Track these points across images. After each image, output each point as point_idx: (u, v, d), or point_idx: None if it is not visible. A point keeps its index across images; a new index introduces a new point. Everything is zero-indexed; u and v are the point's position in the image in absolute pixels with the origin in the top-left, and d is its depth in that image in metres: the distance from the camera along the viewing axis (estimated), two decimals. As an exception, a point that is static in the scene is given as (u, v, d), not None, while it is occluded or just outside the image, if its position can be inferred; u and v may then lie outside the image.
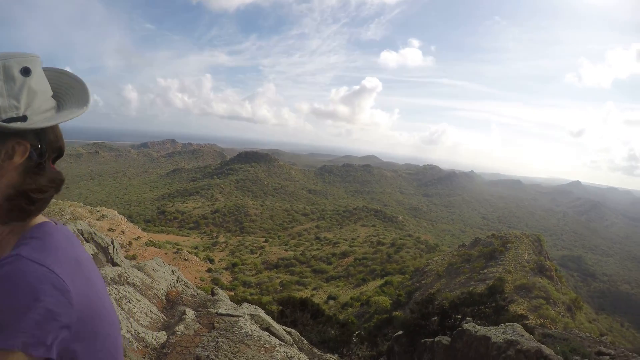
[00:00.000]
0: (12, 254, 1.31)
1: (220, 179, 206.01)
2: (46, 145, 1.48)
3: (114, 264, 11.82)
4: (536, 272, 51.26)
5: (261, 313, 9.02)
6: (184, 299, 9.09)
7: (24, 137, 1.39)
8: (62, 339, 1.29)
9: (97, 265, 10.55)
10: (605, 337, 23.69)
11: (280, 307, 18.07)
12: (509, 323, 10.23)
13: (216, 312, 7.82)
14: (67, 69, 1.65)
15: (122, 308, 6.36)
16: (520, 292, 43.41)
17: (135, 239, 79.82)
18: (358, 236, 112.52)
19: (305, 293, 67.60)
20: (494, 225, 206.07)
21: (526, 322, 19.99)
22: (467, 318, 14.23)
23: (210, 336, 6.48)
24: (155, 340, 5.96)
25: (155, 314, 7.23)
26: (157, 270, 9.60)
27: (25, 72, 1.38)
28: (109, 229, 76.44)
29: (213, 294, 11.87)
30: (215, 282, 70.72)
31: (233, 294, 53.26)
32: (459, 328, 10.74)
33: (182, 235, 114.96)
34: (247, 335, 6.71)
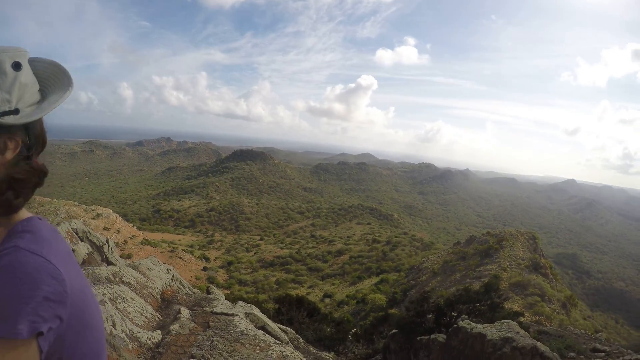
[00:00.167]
0: (9, 245, 1.34)
1: (215, 177, 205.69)
2: (34, 138, 1.52)
3: (109, 263, 11.79)
4: (531, 269, 51.37)
5: (256, 312, 9.01)
6: (179, 297, 9.07)
7: (15, 132, 1.42)
8: (58, 327, 1.32)
9: (93, 264, 10.53)
10: (600, 334, 23.75)
11: (277, 305, 18.07)
12: (505, 320, 10.25)
13: (211, 311, 7.80)
14: None
15: (116, 307, 6.32)
16: (515, 289, 43.54)
17: (131, 238, 79.64)
18: (353, 234, 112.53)
19: (301, 291, 67.62)
20: (489, 223, 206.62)
21: (521, 319, 20.06)
22: (463, 315, 14.25)
23: (206, 335, 6.46)
24: (150, 339, 5.94)
25: (150, 313, 7.20)
26: (152, 269, 9.57)
27: (17, 66, 1.40)
28: (104, 228, 76.21)
29: (208, 292, 11.85)
30: (211, 280, 70.64)
31: (229, 292, 53.31)
32: (455, 325, 10.75)
33: (178, 234, 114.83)
34: (242, 334, 6.69)
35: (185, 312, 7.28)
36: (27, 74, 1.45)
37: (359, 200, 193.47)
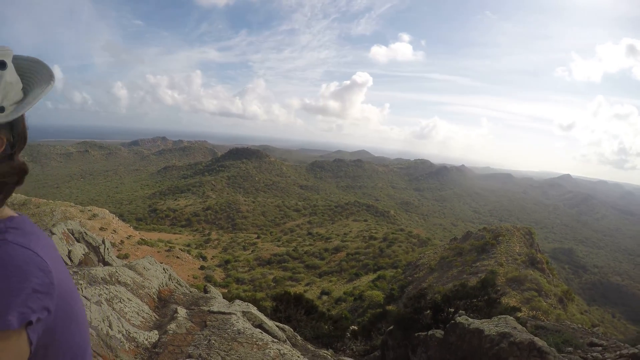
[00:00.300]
0: None
1: (211, 175, 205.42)
2: (17, 135, 1.51)
3: (106, 264, 11.74)
4: (528, 264, 51.51)
5: (253, 310, 8.99)
6: (176, 297, 9.04)
7: (0, 130, 1.43)
8: (46, 318, 1.34)
9: (89, 265, 10.49)
10: (597, 328, 23.87)
11: (274, 303, 18.06)
12: (502, 315, 10.26)
13: (208, 310, 7.78)
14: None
15: (113, 308, 6.30)
16: (512, 284, 43.65)
17: (127, 238, 79.46)
18: (350, 231, 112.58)
19: (298, 289, 67.63)
20: (486, 218, 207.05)
21: (518, 314, 20.15)
22: (460, 311, 14.27)
23: (203, 334, 6.44)
24: (146, 339, 5.92)
25: (147, 313, 7.18)
26: (148, 269, 9.54)
27: (2, 65, 1.40)
28: (101, 228, 76.05)
29: (206, 291, 11.83)
30: (208, 279, 70.62)
31: (226, 291, 53.34)
32: (452, 321, 10.75)
33: (174, 233, 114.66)
34: (239, 333, 6.68)
35: (182, 312, 7.27)
36: (11, 73, 1.44)
37: (355, 197, 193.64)
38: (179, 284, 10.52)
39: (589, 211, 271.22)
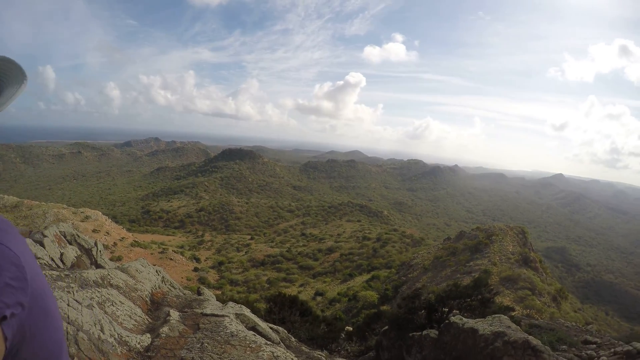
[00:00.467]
0: None
1: (204, 176, 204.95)
2: None
3: (98, 266, 11.68)
4: (521, 263, 51.66)
5: (247, 312, 8.95)
6: (169, 299, 8.99)
7: None
8: (20, 313, 1.30)
9: (81, 267, 10.42)
10: (590, 326, 23.95)
11: (268, 305, 18.00)
12: (496, 315, 10.27)
13: (201, 313, 7.74)
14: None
15: (105, 311, 6.24)
16: (505, 283, 43.75)
17: (120, 240, 79.17)
18: (344, 231, 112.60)
19: (292, 290, 67.60)
20: (479, 218, 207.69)
21: (512, 313, 20.17)
22: (454, 311, 14.28)
23: (196, 337, 6.40)
24: (139, 343, 5.87)
25: (139, 316, 7.12)
26: (141, 272, 9.48)
27: None
28: (94, 230, 75.73)
29: (199, 293, 11.79)
30: (202, 281, 70.46)
31: (220, 292, 53.17)
32: (446, 321, 10.76)
33: (168, 235, 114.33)
34: (232, 336, 6.64)
35: (174, 315, 7.22)
36: None
37: (349, 198, 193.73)
38: (172, 286, 10.46)
39: (582, 210, 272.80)
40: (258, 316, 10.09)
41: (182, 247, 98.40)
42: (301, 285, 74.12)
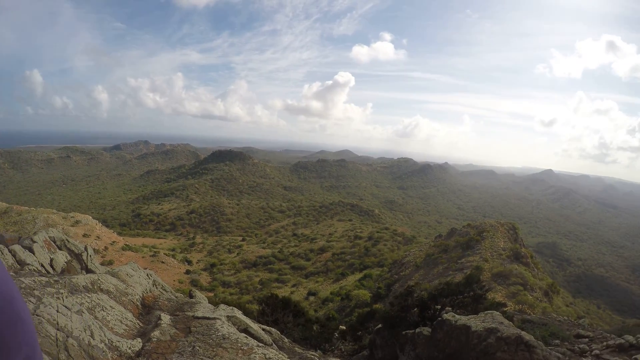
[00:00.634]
0: None
1: (194, 179, 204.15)
2: None
3: (89, 271, 11.59)
4: (512, 259, 51.91)
5: (238, 314, 8.90)
6: (160, 303, 8.93)
7: None
8: None
9: (72, 272, 10.32)
10: (583, 319, 24.07)
11: (261, 307, 17.95)
12: (488, 311, 10.30)
13: (193, 316, 7.69)
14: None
15: (95, 317, 6.18)
16: (497, 279, 43.94)
17: (111, 244, 78.64)
18: (335, 231, 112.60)
19: (284, 290, 67.55)
20: (470, 215, 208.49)
21: (505, 309, 20.23)
22: (447, 308, 14.31)
23: (187, 341, 6.35)
24: (130, 348, 5.81)
25: (130, 320, 7.06)
26: (131, 276, 9.41)
27: None
28: (84, 235, 75.21)
29: (191, 296, 11.73)
30: (194, 283, 70.26)
31: (213, 295, 53.00)
32: (439, 318, 10.77)
33: (159, 238, 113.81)
34: (224, 338, 6.60)
35: (166, 318, 7.16)
36: None
37: (340, 197, 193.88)
38: (164, 290, 10.40)
39: (572, 205, 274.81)
40: (250, 318, 10.05)
41: (173, 249, 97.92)
42: (294, 286, 74.06)
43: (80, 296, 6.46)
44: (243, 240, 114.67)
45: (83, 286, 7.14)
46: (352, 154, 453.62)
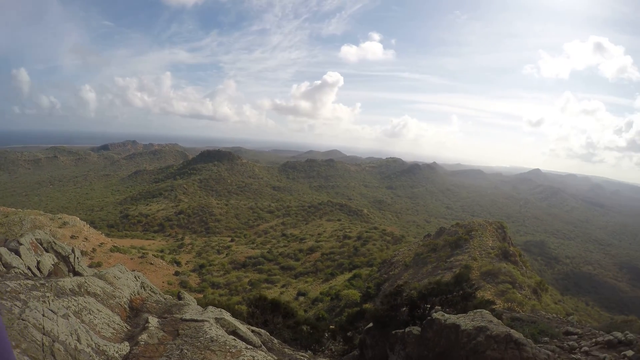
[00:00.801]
0: None
1: (183, 179, 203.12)
2: None
3: (76, 273, 11.49)
4: (501, 258, 52.18)
5: (227, 316, 8.85)
6: (148, 305, 8.85)
7: None
8: None
9: (59, 275, 10.22)
10: (571, 316, 24.27)
11: (250, 309, 17.89)
12: (477, 310, 10.33)
13: (181, 318, 7.63)
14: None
15: (82, 320, 6.11)
16: (486, 278, 44.13)
17: (99, 246, 78.10)
18: (324, 231, 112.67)
19: (274, 291, 67.52)
20: (458, 214, 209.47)
21: (494, 306, 20.34)
22: (436, 307, 14.35)
23: (175, 344, 6.29)
24: (117, 352, 5.75)
25: (118, 324, 6.99)
26: (119, 278, 9.32)
27: None
28: (72, 237, 74.65)
29: (180, 298, 11.65)
30: (184, 285, 70.02)
31: (202, 296, 52.89)
32: (429, 317, 10.78)
33: (147, 239, 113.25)
34: (212, 341, 6.55)
35: (153, 321, 7.10)
36: None
37: (328, 197, 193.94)
38: (153, 292, 10.33)
39: (559, 204, 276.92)
40: (240, 319, 10.00)
41: (162, 251, 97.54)
42: (283, 286, 74.03)
43: (66, 299, 6.39)
44: (232, 240, 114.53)
45: (70, 289, 7.06)
46: (341, 153, 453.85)
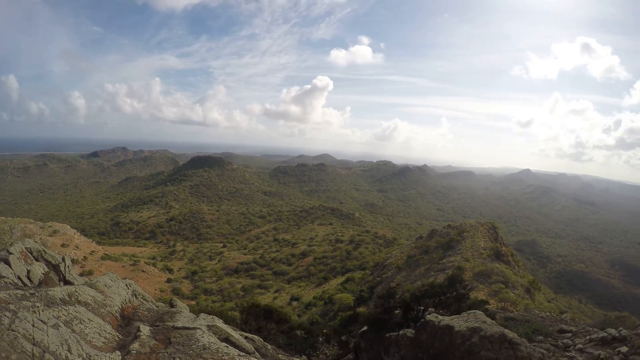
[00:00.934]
0: None
1: (173, 185, 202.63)
2: None
3: (67, 282, 11.36)
4: (493, 258, 52.37)
5: (219, 323, 8.78)
6: (140, 314, 8.77)
7: None
8: None
9: (49, 284, 10.11)
10: (565, 314, 24.40)
11: (243, 316, 17.81)
12: (471, 310, 10.32)
13: (173, 326, 7.56)
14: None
15: (72, 330, 6.03)
16: (479, 278, 44.25)
17: (90, 254, 77.57)
18: (316, 235, 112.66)
19: (267, 296, 67.34)
20: (450, 216, 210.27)
21: (487, 307, 20.36)
22: (430, 309, 14.35)
23: (167, 352, 6.23)
24: (109, 362, 5.68)
25: (109, 333, 6.92)
26: (110, 286, 9.23)
27: None
28: (62, 245, 74.15)
29: (172, 305, 11.57)
30: (176, 292, 69.66)
31: (195, 303, 52.55)
32: (422, 319, 10.77)
33: (139, 246, 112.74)
34: (204, 349, 6.49)
35: (145, 330, 7.03)
36: None
37: (320, 201, 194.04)
38: (144, 300, 10.24)
39: (550, 203, 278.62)
40: (233, 325, 9.93)
41: (154, 258, 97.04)
42: (276, 291, 73.88)
43: (57, 309, 6.31)
44: (224, 246, 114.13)
45: (60, 299, 6.98)
46: (332, 157, 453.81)
